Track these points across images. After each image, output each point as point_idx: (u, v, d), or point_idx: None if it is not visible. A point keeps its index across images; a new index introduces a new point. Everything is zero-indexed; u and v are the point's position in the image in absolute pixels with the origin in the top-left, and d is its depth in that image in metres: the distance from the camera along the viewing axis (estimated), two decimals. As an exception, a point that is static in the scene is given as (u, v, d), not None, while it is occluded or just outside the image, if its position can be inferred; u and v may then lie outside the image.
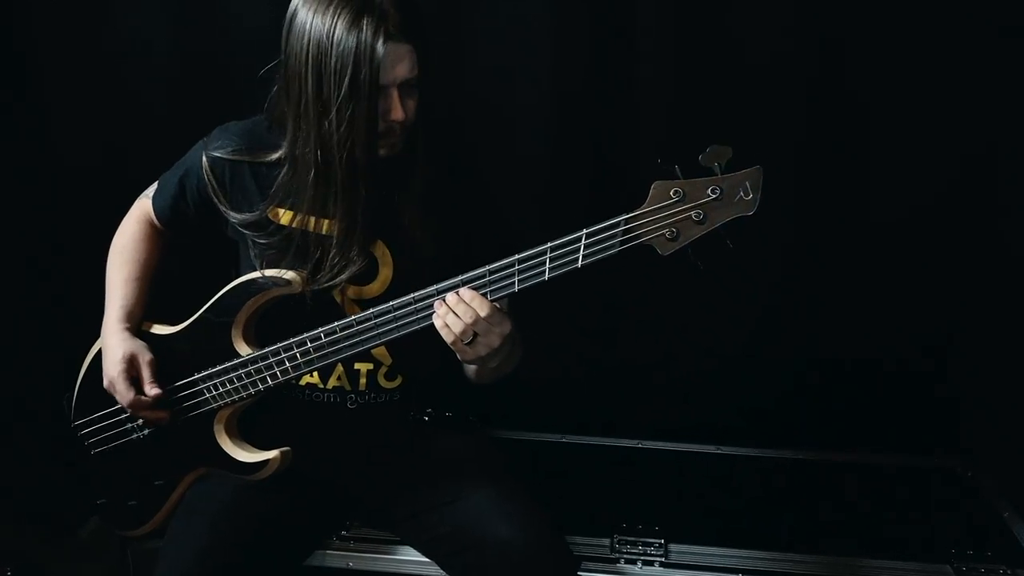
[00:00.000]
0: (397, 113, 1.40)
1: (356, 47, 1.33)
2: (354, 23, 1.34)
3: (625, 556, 1.67)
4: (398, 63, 1.38)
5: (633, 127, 2.05)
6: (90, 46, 2.05)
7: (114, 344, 1.56)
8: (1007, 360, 2.07)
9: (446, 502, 1.53)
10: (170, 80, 2.07)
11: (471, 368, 1.53)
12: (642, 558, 1.66)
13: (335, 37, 1.34)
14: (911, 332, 2.12)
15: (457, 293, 1.32)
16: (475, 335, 1.32)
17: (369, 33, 1.33)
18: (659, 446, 2.15)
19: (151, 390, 1.53)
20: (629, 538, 1.71)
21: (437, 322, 1.34)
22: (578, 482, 2.00)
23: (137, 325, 1.61)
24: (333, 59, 1.35)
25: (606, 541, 1.71)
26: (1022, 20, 1.87)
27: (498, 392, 1.80)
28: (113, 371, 1.53)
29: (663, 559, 1.66)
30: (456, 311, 1.32)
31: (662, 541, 1.71)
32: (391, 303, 1.41)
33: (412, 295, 1.39)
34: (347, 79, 1.34)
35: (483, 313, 1.31)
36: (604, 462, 2.09)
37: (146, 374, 1.54)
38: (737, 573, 1.64)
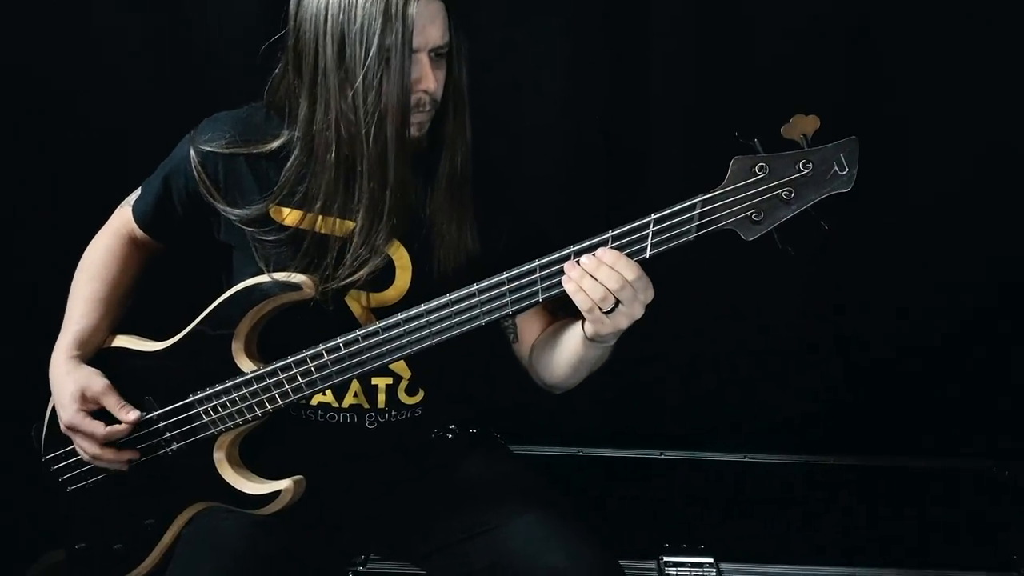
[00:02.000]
0: (429, 82, 1.25)
1: (386, 5, 1.19)
2: None
3: (678, 580, 1.54)
4: (430, 24, 1.24)
5: (647, 134, 1.96)
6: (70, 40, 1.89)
7: (60, 379, 1.37)
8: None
9: (484, 530, 1.37)
10: (156, 78, 1.92)
11: (568, 364, 1.33)
12: (695, 581, 1.54)
13: None
14: (932, 333, 2.06)
15: (595, 255, 1.15)
16: (617, 303, 1.15)
17: None
18: (682, 456, 2.04)
19: (128, 415, 1.34)
20: (676, 559, 1.58)
21: (569, 286, 1.16)
22: (603, 498, 1.88)
23: (91, 353, 1.42)
24: (358, 20, 1.20)
25: (652, 564, 1.59)
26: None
27: (505, 404, 1.68)
28: (68, 414, 1.35)
29: (718, 582, 1.54)
30: (597, 276, 1.14)
31: (712, 561, 1.57)
32: (423, 307, 1.24)
33: (448, 297, 1.23)
34: (375, 41, 1.20)
35: (631, 276, 1.13)
36: (627, 475, 1.98)
37: (111, 400, 1.35)
38: (803, 593, 1.53)
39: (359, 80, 1.21)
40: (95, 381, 1.36)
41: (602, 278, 1.14)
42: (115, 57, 1.90)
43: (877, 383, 2.08)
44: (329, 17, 1.22)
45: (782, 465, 2.01)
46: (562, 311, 1.39)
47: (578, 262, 1.15)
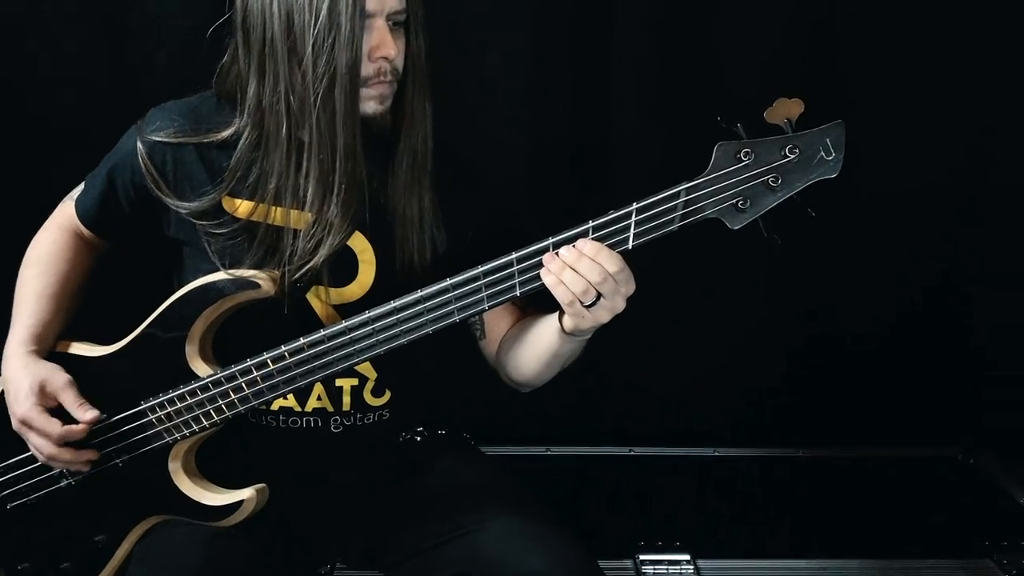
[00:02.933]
0: (388, 47, 1.20)
1: None
2: None
3: (656, 578, 1.52)
4: None
5: (613, 125, 1.95)
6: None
7: (16, 372, 1.29)
8: (994, 346, 2.06)
9: (458, 535, 1.31)
10: (92, 68, 1.83)
11: (540, 359, 1.30)
12: (673, 578, 1.52)
13: None
14: (899, 327, 2.08)
15: (575, 246, 1.10)
16: (599, 296, 1.11)
17: None
18: (652, 452, 2.04)
19: (85, 413, 1.25)
20: (653, 557, 1.56)
21: (548, 279, 1.12)
22: (573, 497, 1.86)
23: (47, 350, 1.34)
24: None
25: (628, 564, 1.57)
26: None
27: (473, 404, 1.65)
28: (23, 407, 1.26)
29: (696, 578, 1.53)
30: (578, 268, 1.10)
31: (689, 557, 1.55)
32: (393, 304, 1.19)
33: (420, 292, 1.18)
34: (325, 5, 1.15)
35: (612, 268, 1.10)
36: (596, 473, 1.97)
37: (69, 397, 1.26)
38: (782, 585, 1.53)
39: (308, 47, 1.16)
40: (57, 376, 1.28)
41: (583, 270, 1.10)
42: (48, 45, 1.80)
43: (846, 376, 2.10)
44: None
45: (752, 459, 2.02)
46: (531, 305, 1.35)
47: (558, 254, 1.11)
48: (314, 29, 1.16)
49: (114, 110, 1.72)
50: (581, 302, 1.11)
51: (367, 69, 1.20)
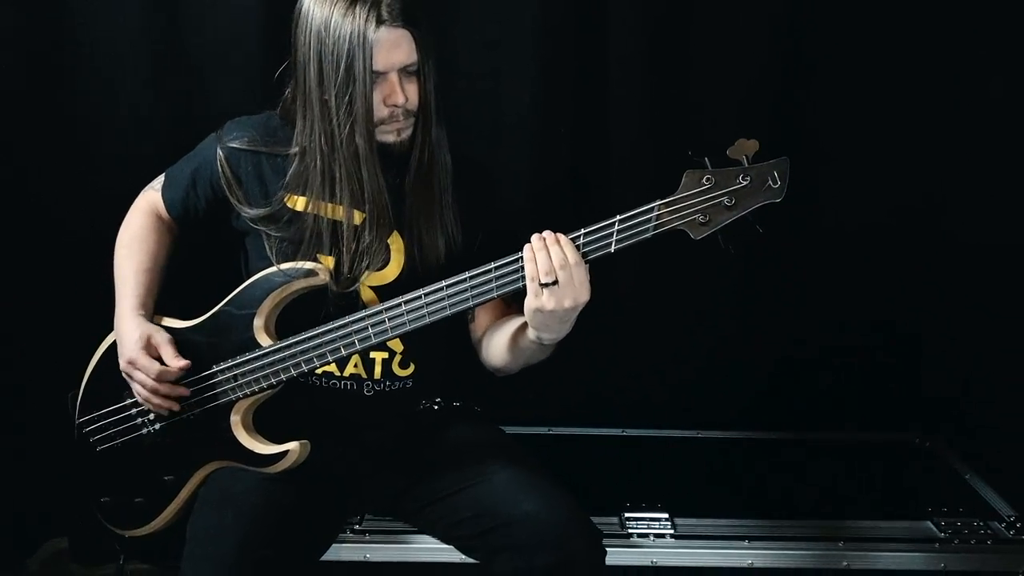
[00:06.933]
0: (397, 97, 1.45)
1: (351, 34, 1.40)
2: (349, 10, 1.41)
3: (637, 532, 1.74)
4: (394, 48, 1.43)
5: (607, 133, 2.16)
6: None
7: (130, 328, 1.55)
8: (951, 348, 2.26)
9: (467, 485, 1.55)
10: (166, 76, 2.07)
11: (505, 351, 1.52)
12: (653, 532, 1.74)
13: (332, 26, 1.41)
14: (866, 322, 2.27)
15: (555, 233, 1.33)
16: (555, 282, 1.32)
17: (362, 19, 1.40)
18: (641, 433, 2.24)
19: (176, 362, 1.51)
20: (636, 515, 1.79)
21: (526, 254, 1.34)
22: (570, 470, 2.01)
23: (150, 314, 1.60)
24: (331, 47, 1.41)
25: (614, 519, 1.78)
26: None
27: (485, 388, 1.83)
28: (132, 350, 1.52)
29: (672, 532, 1.74)
30: (550, 249, 1.32)
31: (668, 515, 1.79)
32: (421, 291, 1.43)
33: (443, 283, 1.42)
34: (343, 66, 1.41)
35: (572, 259, 1.31)
36: (592, 450, 2.17)
37: (168, 351, 1.52)
38: (744, 540, 1.73)
39: (332, 99, 1.43)
40: (160, 333, 1.54)
41: (554, 254, 1.32)
42: (113, 79, 2.06)
43: (816, 371, 2.28)
44: (311, 47, 1.44)
45: (728, 440, 2.21)
46: (516, 303, 1.55)
47: (540, 235, 1.34)
48: (336, 83, 1.42)
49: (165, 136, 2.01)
50: (540, 280, 1.32)
51: (383, 112, 1.46)
